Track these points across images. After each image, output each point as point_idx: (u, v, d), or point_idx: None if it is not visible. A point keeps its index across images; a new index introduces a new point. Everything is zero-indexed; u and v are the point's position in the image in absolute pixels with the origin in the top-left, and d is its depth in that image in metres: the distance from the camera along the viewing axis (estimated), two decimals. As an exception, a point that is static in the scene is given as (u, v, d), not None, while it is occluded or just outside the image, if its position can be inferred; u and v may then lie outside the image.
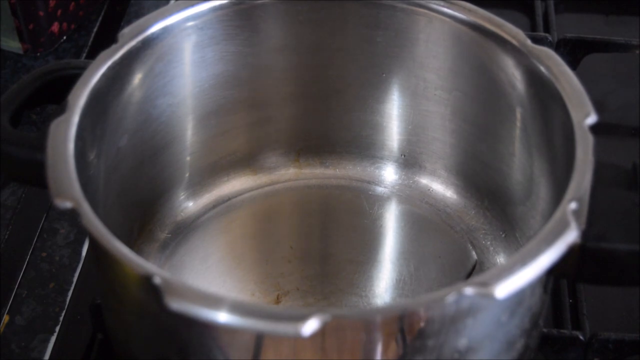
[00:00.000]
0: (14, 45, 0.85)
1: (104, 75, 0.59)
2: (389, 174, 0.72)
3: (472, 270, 0.66)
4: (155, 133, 0.66)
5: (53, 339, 0.64)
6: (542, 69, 0.58)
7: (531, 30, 0.88)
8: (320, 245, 0.69)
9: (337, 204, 0.71)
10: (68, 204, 0.51)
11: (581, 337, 0.64)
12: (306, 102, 0.71)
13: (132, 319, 0.56)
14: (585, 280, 0.55)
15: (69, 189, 0.52)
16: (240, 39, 0.66)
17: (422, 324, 0.48)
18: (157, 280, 0.47)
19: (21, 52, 0.86)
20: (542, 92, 0.59)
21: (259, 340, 0.49)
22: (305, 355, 0.49)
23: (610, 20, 0.94)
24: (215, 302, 0.46)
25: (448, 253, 0.68)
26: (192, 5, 0.63)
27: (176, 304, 0.46)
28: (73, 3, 0.86)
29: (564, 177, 0.53)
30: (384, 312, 0.50)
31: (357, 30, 0.67)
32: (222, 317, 0.46)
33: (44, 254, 0.69)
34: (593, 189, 0.52)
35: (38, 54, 0.86)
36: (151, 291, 0.47)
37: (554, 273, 0.51)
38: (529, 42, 0.60)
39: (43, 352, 0.63)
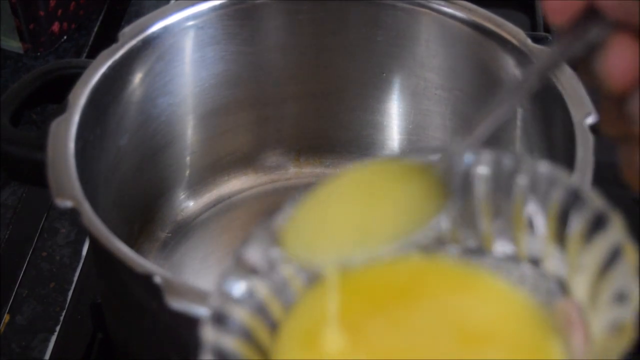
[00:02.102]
0: (14, 44, 0.85)
1: (104, 74, 0.59)
2: (389, 173, 0.72)
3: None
4: (156, 132, 0.66)
5: (53, 338, 0.64)
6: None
7: (531, 29, 0.88)
8: (321, 244, 0.69)
9: (338, 204, 0.71)
10: (68, 204, 0.51)
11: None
12: (306, 101, 0.71)
13: (132, 318, 0.56)
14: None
15: (69, 189, 0.52)
16: (240, 38, 0.66)
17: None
18: (157, 279, 0.47)
19: (22, 51, 0.86)
20: (543, 91, 0.59)
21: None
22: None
23: (610, 20, 0.93)
24: (215, 301, 0.46)
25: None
26: (192, 5, 0.63)
27: (176, 303, 0.47)
28: (73, 3, 0.86)
29: (565, 177, 0.53)
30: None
31: (357, 30, 0.67)
32: (223, 316, 0.46)
33: (44, 254, 0.69)
34: (593, 188, 0.52)
35: (38, 54, 0.86)
36: (151, 290, 0.47)
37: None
38: (529, 41, 0.60)
39: (43, 352, 0.63)
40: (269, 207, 0.71)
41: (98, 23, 0.89)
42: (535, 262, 0.39)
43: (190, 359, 0.52)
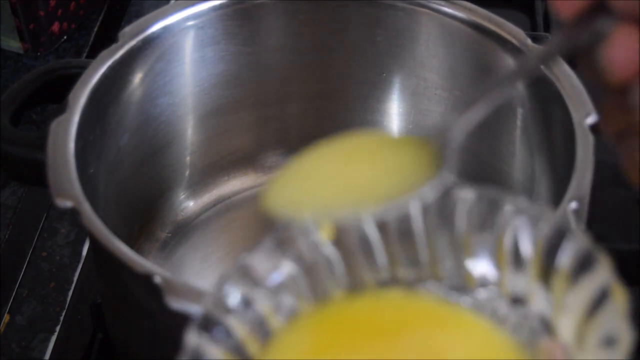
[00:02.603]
0: (14, 44, 0.85)
1: (104, 74, 0.59)
2: (389, 173, 0.72)
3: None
4: (156, 132, 0.66)
5: (53, 338, 0.64)
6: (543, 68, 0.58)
7: (531, 29, 0.88)
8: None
9: (338, 204, 0.71)
10: (68, 204, 0.51)
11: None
12: (306, 101, 0.71)
13: (132, 318, 0.56)
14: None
15: (69, 189, 0.52)
16: (240, 38, 0.66)
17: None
18: (157, 279, 0.47)
19: (21, 51, 0.86)
20: (543, 91, 0.59)
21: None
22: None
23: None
24: (215, 301, 0.46)
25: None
26: (192, 5, 0.63)
27: (176, 303, 0.47)
28: (73, 3, 0.86)
29: (565, 177, 0.53)
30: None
31: (357, 30, 0.67)
32: (222, 316, 0.46)
33: (44, 254, 0.69)
34: (593, 188, 0.52)
35: (38, 54, 0.86)
36: (151, 290, 0.47)
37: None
38: (529, 41, 0.60)
39: (43, 352, 0.63)
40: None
41: (98, 23, 0.89)
42: (518, 300, 0.39)
43: None
